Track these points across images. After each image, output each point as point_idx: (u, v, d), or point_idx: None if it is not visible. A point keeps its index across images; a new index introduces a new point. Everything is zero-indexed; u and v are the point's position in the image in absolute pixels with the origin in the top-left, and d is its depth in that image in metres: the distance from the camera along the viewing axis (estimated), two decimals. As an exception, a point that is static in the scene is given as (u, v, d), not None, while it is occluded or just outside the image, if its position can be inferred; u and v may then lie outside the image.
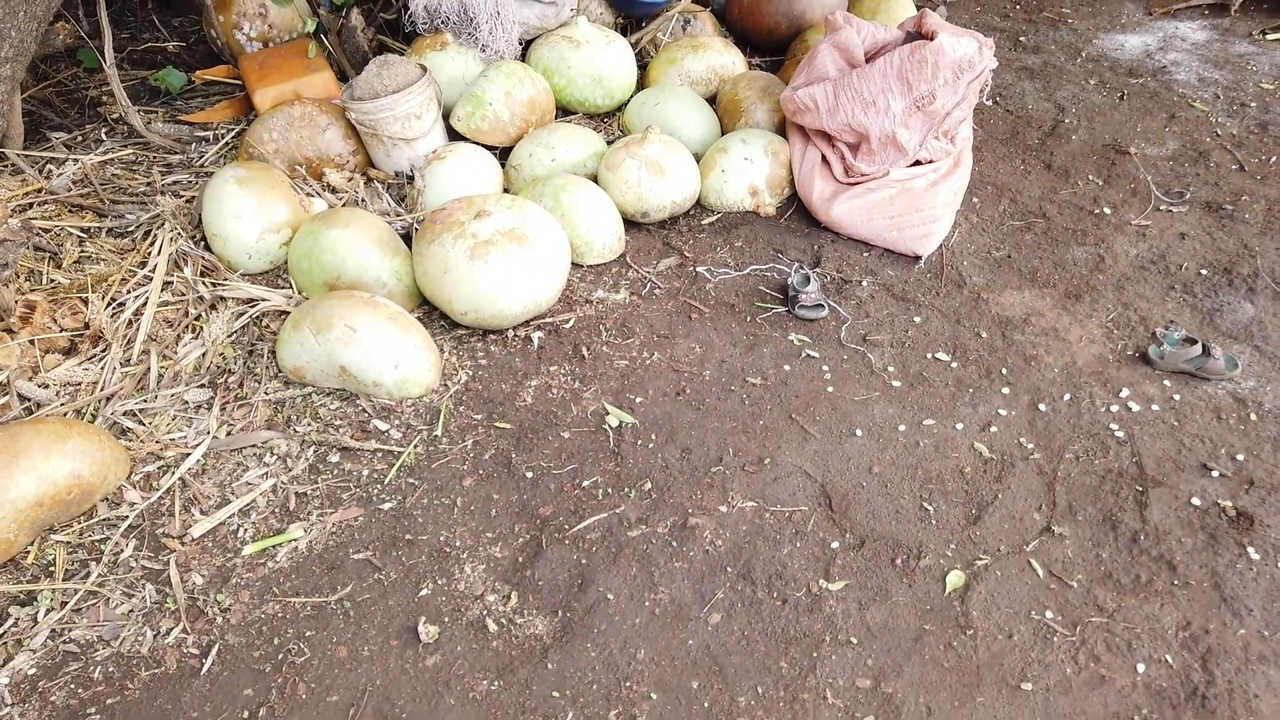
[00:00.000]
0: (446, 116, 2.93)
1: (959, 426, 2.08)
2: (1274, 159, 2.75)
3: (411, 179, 2.77)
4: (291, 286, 2.50)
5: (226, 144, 3.01)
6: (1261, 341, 2.20)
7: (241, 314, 2.41)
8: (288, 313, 2.39)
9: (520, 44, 3.08)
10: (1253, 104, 2.99)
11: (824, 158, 2.74)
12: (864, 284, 2.49)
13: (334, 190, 2.78)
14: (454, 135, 2.94)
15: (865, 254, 2.60)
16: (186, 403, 2.20)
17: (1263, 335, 2.22)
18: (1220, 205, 2.61)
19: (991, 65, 2.63)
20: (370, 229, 2.41)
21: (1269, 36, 3.30)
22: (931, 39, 2.57)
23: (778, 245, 2.65)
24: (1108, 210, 2.65)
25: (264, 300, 2.42)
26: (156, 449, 2.09)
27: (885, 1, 3.39)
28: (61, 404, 2.15)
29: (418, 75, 2.73)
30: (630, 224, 2.74)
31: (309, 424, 2.15)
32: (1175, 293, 2.37)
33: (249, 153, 2.78)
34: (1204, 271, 2.41)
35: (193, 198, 2.72)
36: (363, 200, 2.73)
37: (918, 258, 2.56)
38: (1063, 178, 2.79)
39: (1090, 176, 2.78)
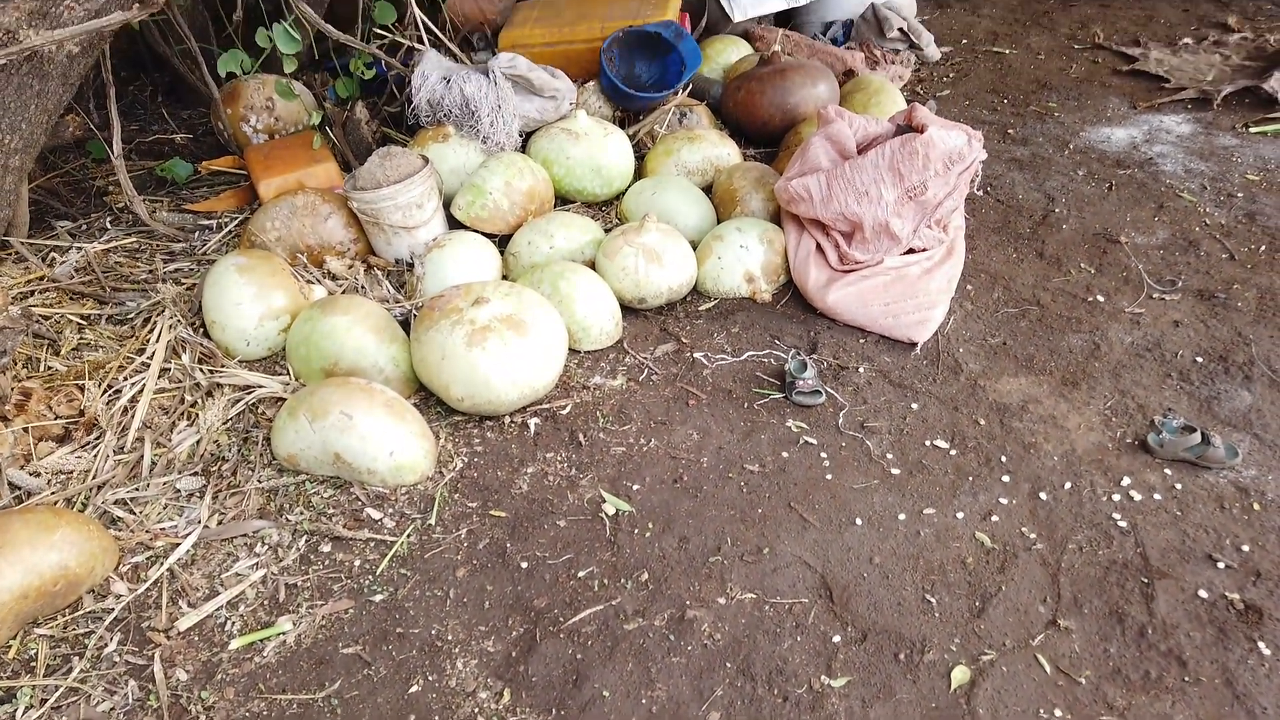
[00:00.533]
0: (447, 205, 2.98)
1: (960, 515, 2.05)
2: (1263, 248, 2.79)
3: (411, 266, 2.80)
4: (289, 373, 2.50)
5: (229, 232, 3.05)
6: (1261, 430, 2.20)
7: (238, 400, 2.41)
8: (284, 399, 2.38)
9: (520, 136, 3.15)
10: (1239, 194, 3.04)
11: (819, 246, 2.78)
12: (861, 370, 2.49)
13: (334, 277, 2.80)
14: (454, 223, 2.98)
15: (861, 340, 2.61)
16: (179, 491, 2.17)
17: (1261, 424, 2.21)
18: (1212, 293, 2.63)
19: (981, 157, 2.69)
20: (368, 315, 2.43)
21: (1252, 130, 3.38)
22: (922, 131, 2.64)
23: (774, 331, 2.67)
24: (1101, 298, 2.67)
25: (260, 387, 2.42)
26: (146, 538, 2.05)
27: (875, 96, 3.48)
28: (52, 492, 2.13)
29: (420, 165, 2.79)
30: (628, 310, 2.76)
31: (301, 512, 2.13)
32: (1172, 380, 2.37)
33: (251, 241, 2.81)
34: (1199, 359, 2.42)
35: (194, 285, 2.74)
36: (362, 287, 2.76)
37: (914, 344, 2.57)
38: (1055, 266, 2.82)
39: (1082, 265, 2.81)
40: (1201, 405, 2.29)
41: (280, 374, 2.52)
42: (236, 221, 3.12)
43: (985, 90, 3.93)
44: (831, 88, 3.48)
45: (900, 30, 4.04)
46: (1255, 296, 2.61)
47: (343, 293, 2.74)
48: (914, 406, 2.37)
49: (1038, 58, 4.16)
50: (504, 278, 2.83)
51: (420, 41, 3.50)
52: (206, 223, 3.14)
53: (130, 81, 4.17)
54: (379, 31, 3.42)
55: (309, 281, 2.74)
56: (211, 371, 2.46)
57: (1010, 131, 3.59)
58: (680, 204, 2.98)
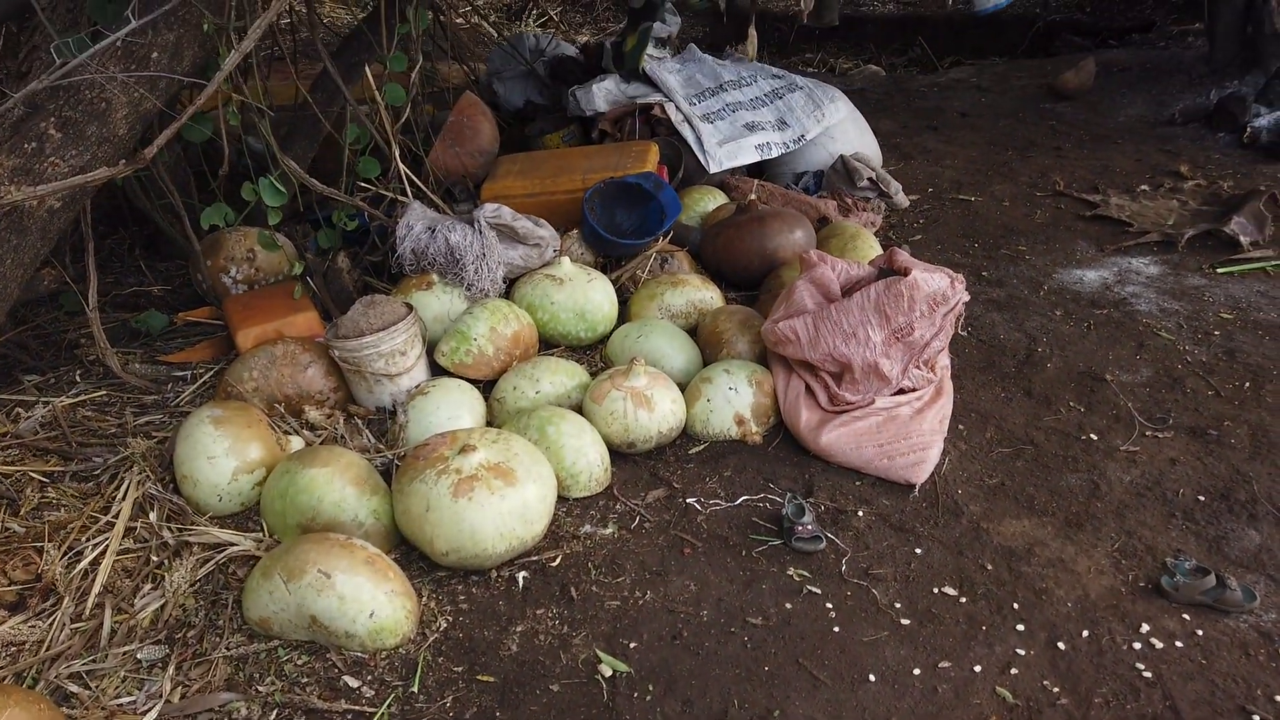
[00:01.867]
0: (431, 351, 2.94)
1: (977, 669, 1.94)
2: (1248, 384, 2.80)
3: (394, 414, 2.73)
4: (263, 529, 2.37)
5: (204, 384, 2.98)
6: (1274, 570, 2.13)
7: (207, 560, 2.27)
8: (257, 558, 2.25)
9: (505, 282, 3.15)
10: (1216, 332, 3.09)
11: (808, 387, 2.75)
12: (860, 514, 2.42)
13: (313, 427, 2.72)
14: (438, 370, 2.93)
15: (858, 482, 2.55)
16: (140, 661, 2.01)
17: (1274, 564, 2.15)
18: (1205, 430, 2.62)
19: (964, 298, 2.72)
20: (348, 467, 2.33)
21: (1219, 270, 3.48)
22: (906, 274, 2.67)
23: (768, 474, 2.60)
24: (1094, 436, 2.65)
25: (232, 545, 2.29)
26: (102, 715, 1.88)
27: (851, 241, 3.55)
28: (1, 666, 1.96)
29: (403, 313, 2.76)
30: (616, 455, 2.68)
31: (273, 682, 1.97)
32: (1177, 520, 2.32)
33: (227, 391, 2.74)
34: (1201, 498, 2.38)
35: (165, 439, 2.64)
36: (342, 437, 2.67)
37: (911, 486, 2.51)
38: (1044, 404, 2.81)
39: (1071, 403, 2.81)
40: (1210, 545, 2.24)
41: (254, 530, 2.40)
42: (212, 372, 3.05)
43: (956, 235, 4.04)
44: (808, 234, 3.55)
45: (869, 180, 4.18)
46: (1248, 433, 2.60)
47: (321, 443, 2.65)
48: (918, 551, 2.28)
49: (1003, 204, 4.31)
50: (489, 424, 2.76)
51: (403, 194, 3.56)
52: (181, 374, 3.06)
53: (108, 235, 4.17)
54: (362, 185, 3.47)
55: (286, 432, 2.65)
56: (180, 529, 2.34)
57: (984, 273, 3.66)
58: (666, 347, 2.96)
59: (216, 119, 2.91)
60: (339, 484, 2.28)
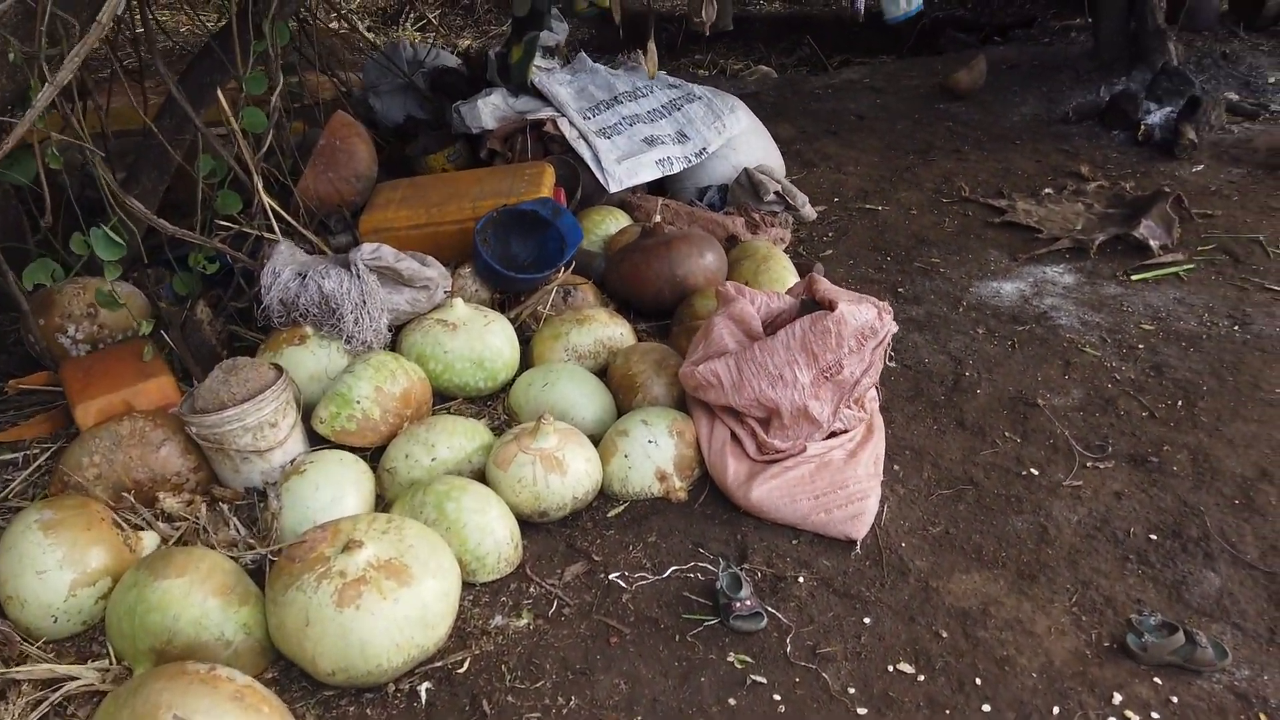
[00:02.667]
0: (307, 417, 2.59)
1: (946, 765, 1.74)
2: (1179, 403, 2.71)
3: (265, 496, 2.37)
4: (109, 654, 2.00)
5: (39, 468, 2.56)
6: (1239, 618, 2.01)
7: (40, 701, 1.89)
8: (102, 694, 1.88)
9: (390, 331, 2.82)
10: (1140, 346, 3.00)
11: (734, 434, 2.52)
12: (800, 580, 2.20)
13: (169, 518, 2.34)
14: (316, 438, 2.59)
15: (794, 541, 2.33)
16: None
17: (1238, 610, 2.02)
18: (1145, 458, 2.50)
19: (892, 330, 2.53)
20: (210, 574, 1.98)
21: (1134, 278, 3.41)
22: (831, 308, 2.46)
23: (696, 537, 2.36)
24: (1034, 471, 2.50)
25: (71, 680, 1.91)
26: None
27: (764, 263, 3.35)
28: None
29: (272, 378, 2.41)
30: (526, 525, 2.40)
31: None
32: (1131, 564, 2.18)
33: (64, 481, 2.34)
34: (1153, 536, 2.25)
35: (-15, 546, 2.22)
36: (204, 529, 2.30)
37: (852, 542, 2.30)
38: (979, 436, 2.66)
39: (1006, 433, 2.66)
40: (1170, 592, 2.10)
41: (99, 654, 2.02)
42: (49, 453, 2.62)
43: (866, 248, 3.88)
44: (719, 257, 3.32)
45: (776, 193, 3.99)
46: (1188, 459, 2.49)
47: (180, 538, 2.28)
48: (867, 621, 2.08)
49: (910, 213, 4.18)
50: (379, 499, 2.43)
51: (270, 230, 3.18)
52: (11, 456, 2.63)
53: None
54: (222, 222, 3.08)
55: (137, 527, 2.27)
56: (5, 665, 1.94)
57: (901, 290, 3.51)
58: (576, 395, 2.69)
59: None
60: (199, 596, 1.93)
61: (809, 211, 4.12)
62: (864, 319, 2.46)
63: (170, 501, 2.35)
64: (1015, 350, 3.05)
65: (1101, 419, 2.68)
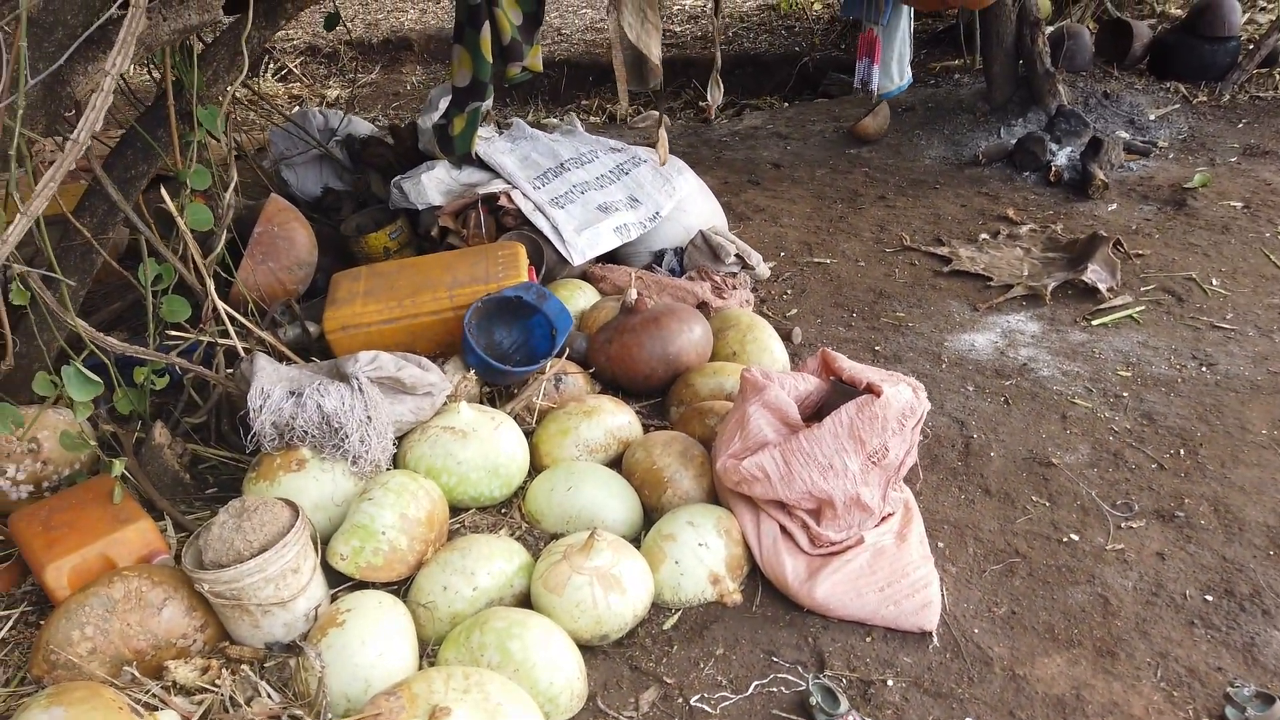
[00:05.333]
0: (322, 552, 2.33)
1: None
2: (1181, 451, 2.81)
3: (294, 651, 2.11)
4: None
5: (4, 640, 2.19)
6: (1317, 676, 2.07)
7: None
8: None
9: (395, 443, 2.59)
10: (1124, 394, 3.11)
11: (783, 528, 2.44)
12: (889, 683, 2.13)
13: (186, 691, 2.04)
14: (331, 574, 2.33)
15: (868, 638, 2.26)
16: None
17: (1313, 667, 2.09)
18: (1171, 514, 2.58)
19: (927, 407, 2.52)
20: (278, 769, 1.72)
21: (1094, 322, 3.55)
22: (870, 389, 2.42)
23: (765, 645, 2.25)
24: (1074, 536, 2.53)
25: None
26: None
27: (749, 333, 3.30)
28: None
29: (289, 519, 2.15)
30: (583, 649, 2.23)
31: None
32: (1198, 629, 2.22)
33: (51, 661, 2.00)
34: (1208, 597, 2.30)
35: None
36: (230, 700, 2.02)
37: (925, 633, 2.25)
38: (1008, 503, 2.67)
39: (1033, 498, 2.68)
40: (1243, 655, 2.14)
41: None
42: (9, 623, 2.25)
43: (829, 305, 3.90)
44: (706, 330, 3.25)
45: (736, 255, 3.96)
46: (1210, 511, 2.58)
47: (205, 715, 1.99)
48: (969, 722, 2.03)
49: (859, 265, 4.23)
50: (417, 639, 2.20)
51: (224, 334, 2.88)
52: (-43, 631, 2.24)
53: None
54: (171, 332, 2.77)
55: (150, 708, 1.97)
56: None
57: (878, 349, 3.53)
58: (603, 497, 2.54)
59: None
60: (268, 799, 1.67)
61: (764, 270, 4.11)
62: (904, 400, 2.43)
63: (183, 671, 2.04)
64: (1011, 407, 3.10)
65: (1116, 474, 2.75)
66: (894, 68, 5.37)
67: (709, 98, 3.59)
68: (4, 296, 2.14)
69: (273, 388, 2.42)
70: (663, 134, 3.58)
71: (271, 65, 9.74)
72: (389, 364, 2.52)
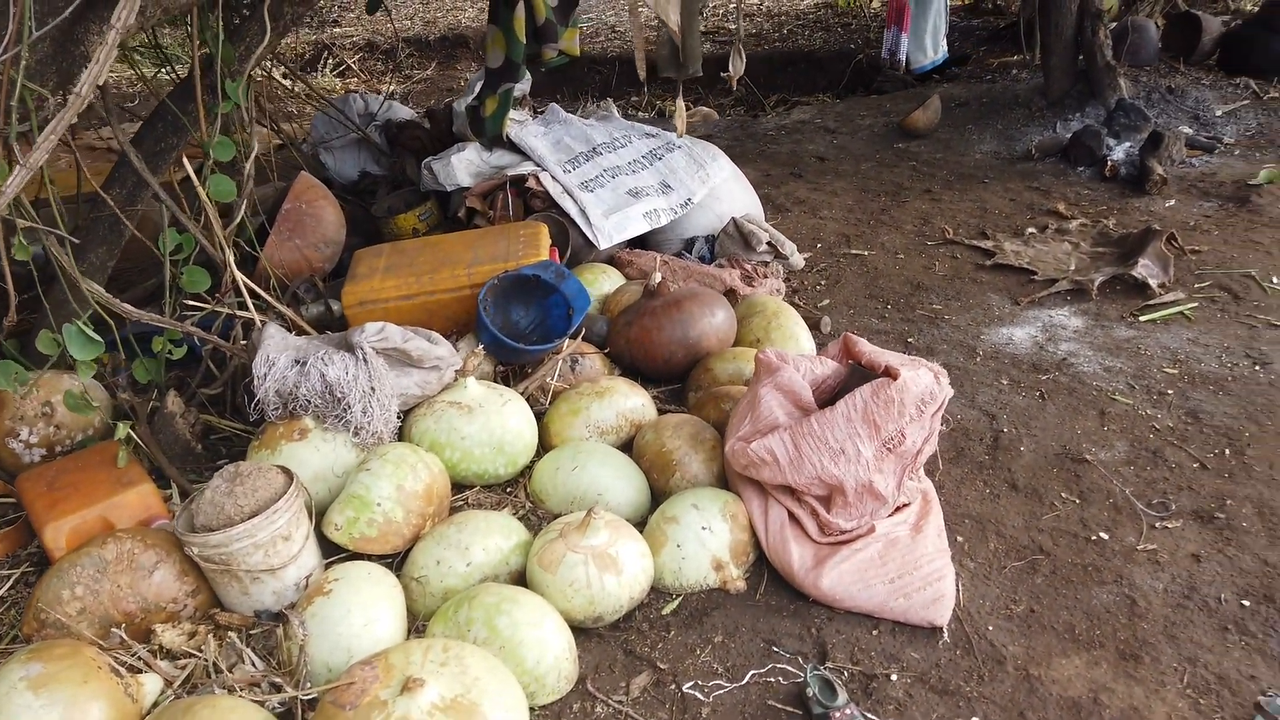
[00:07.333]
0: (317, 523, 2.31)
1: None
2: (1227, 451, 2.64)
3: (280, 619, 2.08)
4: (122, 837, 1.68)
5: (4, 601, 2.20)
6: (1361, 689, 1.91)
7: None
8: None
9: (399, 416, 2.56)
10: (1169, 391, 2.94)
11: (791, 515, 2.34)
12: (894, 678, 2.02)
13: (171, 655, 2.03)
14: (327, 545, 2.30)
15: (874, 631, 2.15)
16: None
17: (1358, 680, 1.92)
18: (1211, 515, 2.42)
19: (949, 394, 2.40)
20: (245, 731, 1.69)
21: (1143, 319, 3.37)
22: (889, 373, 2.31)
23: (766, 634, 2.16)
24: (1103, 535, 2.39)
25: None
26: None
27: (774, 319, 3.20)
28: None
29: (282, 485, 2.13)
30: (577, 631, 2.16)
31: None
32: (1231, 635, 2.07)
33: (40, 619, 2.01)
34: (1245, 602, 2.15)
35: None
36: (214, 666, 2.00)
37: (937, 628, 2.14)
38: (1035, 499, 2.54)
39: (1063, 494, 2.54)
40: (1279, 664, 1.99)
41: (106, 835, 1.70)
42: (8, 583, 2.27)
43: (863, 296, 3.78)
44: (729, 315, 3.16)
45: (768, 243, 3.86)
46: (1254, 512, 2.41)
47: (188, 678, 1.97)
48: (976, 722, 1.91)
49: (898, 258, 4.10)
50: (410, 616, 2.16)
51: (243, 307, 2.89)
52: (-36, 586, 2.27)
53: None
54: (190, 303, 2.78)
55: (134, 670, 1.96)
56: None
57: (911, 341, 3.40)
58: (609, 478, 2.47)
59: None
60: (234, 761, 1.64)
61: (798, 260, 4.01)
62: (924, 385, 2.32)
63: (169, 635, 2.03)
64: (1046, 402, 2.96)
65: (1154, 473, 2.60)
66: (927, 40, 5.19)
67: (730, 68, 3.48)
68: (7, 252, 2.15)
69: (278, 356, 2.40)
70: (680, 104, 3.49)
71: (330, 61, 9.92)
72: (396, 335, 2.49)
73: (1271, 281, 3.54)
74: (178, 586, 2.11)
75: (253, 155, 2.85)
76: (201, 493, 2.10)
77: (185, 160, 2.85)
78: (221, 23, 2.79)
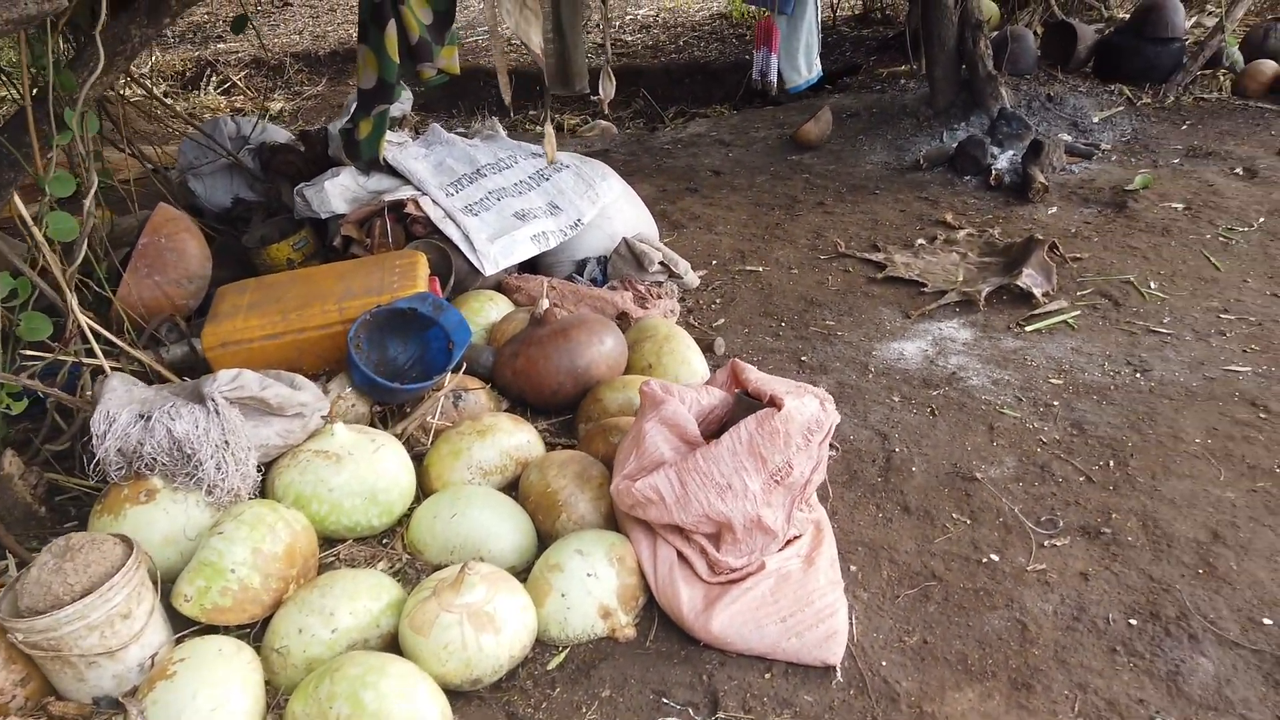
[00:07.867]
0: (166, 593, 2.12)
1: None
2: (1110, 463, 2.66)
3: (119, 707, 1.89)
4: None
5: None
6: (1244, 708, 1.91)
7: None
8: None
9: (259, 469, 2.38)
10: (1054, 403, 2.96)
11: (680, 555, 2.25)
12: (786, 726, 1.94)
13: (-6, 756, 1.82)
14: (178, 618, 2.12)
15: (767, 674, 2.07)
16: None
17: (1240, 699, 1.92)
18: (1097, 530, 2.42)
19: (835, 420, 2.34)
20: None
21: (1028, 328, 3.40)
22: (772, 402, 2.24)
23: (656, 684, 2.06)
24: (994, 556, 2.36)
25: None
26: None
27: (666, 344, 3.12)
28: None
29: (120, 557, 1.94)
30: (454, 695, 2.02)
31: None
32: (1120, 657, 2.05)
33: None
34: (1132, 621, 2.14)
35: None
36: (45, 764, 1.80)
37: (830, 668, 2.07)
38: (927, 521, 2.50)
39: (954, 515, 2.52)
40: (1166, 685, 1.98)
41: None
42: None
43: (757, 314, 3.73)
44: (619, 341, 3.07)
45: (660, 263, 3.78)
46: (1138, 526, 2.42)
47: (12, 783, 1.77)
48: (870, 768, 1.84)
49: (791, 273, 4.08)
50: (266, 684, 1.99)
51: (90, 354, 2.67)
52: None
53: None
54: (28, 353, 2.56)
55: (-50, 777, 1.75)
56: None
57: (804, 359, 3.36)
58: (492, 523, 2.34)
59: None
60: None
61: (692, 278, 3.94)
62: (809, 413, 2.26)
63: (-7, 734, 1.83)
64: (937, 418, 2.94)
65: (1042, 488, 2.59)
66: (800, 59, 5.22)
67: (600, 91, 3.41)
68: None
69: (119, 411, 2.20)
70: (549, 130, 3.39)
71: (214, 78, 9.52)
72: (252, 383, 2.31)
73: (1149, 287, 3.62)
74: (3, 676, 1.90)
75: (92, 190, 2.63)
76: (27, 571, 1.89)
77: (17, 199, 2.63)
78: (56, 48, 2.59)
